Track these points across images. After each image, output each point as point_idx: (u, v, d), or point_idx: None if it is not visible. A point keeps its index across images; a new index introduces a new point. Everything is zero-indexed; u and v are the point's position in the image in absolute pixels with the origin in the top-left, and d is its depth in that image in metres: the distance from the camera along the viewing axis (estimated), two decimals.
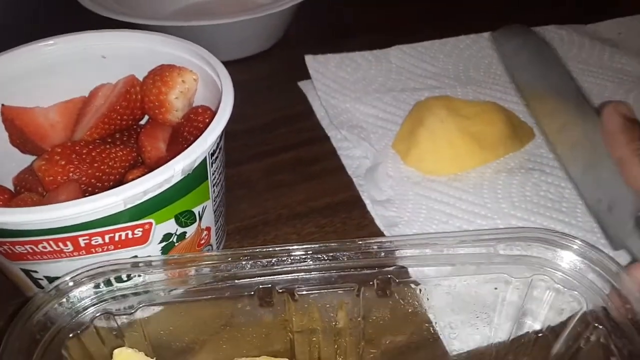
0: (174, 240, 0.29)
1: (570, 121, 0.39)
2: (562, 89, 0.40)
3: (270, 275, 0.26)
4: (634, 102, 0.50)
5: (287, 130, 0.48)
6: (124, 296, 0.25)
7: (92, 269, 0.25)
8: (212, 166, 0.30)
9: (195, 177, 0.28)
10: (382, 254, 0.26)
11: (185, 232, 0.30)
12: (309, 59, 0.52)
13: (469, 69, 0.54)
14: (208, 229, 0.32)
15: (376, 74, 0.53)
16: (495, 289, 0.27)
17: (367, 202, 0.40)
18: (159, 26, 0.49)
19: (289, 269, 0.26)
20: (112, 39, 0.35)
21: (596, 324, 0.25)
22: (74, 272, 0.24)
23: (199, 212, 0.30)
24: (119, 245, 0.27)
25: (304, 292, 0.26)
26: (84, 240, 0.26)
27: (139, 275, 0.25)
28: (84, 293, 0.24)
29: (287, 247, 0.26)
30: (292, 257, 0.26)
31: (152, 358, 0.24)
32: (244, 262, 0.25)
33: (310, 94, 0.51)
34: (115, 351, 0.24)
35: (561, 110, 0.40)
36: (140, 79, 0.35)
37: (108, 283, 0.25)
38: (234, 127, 0.46)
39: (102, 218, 0.25)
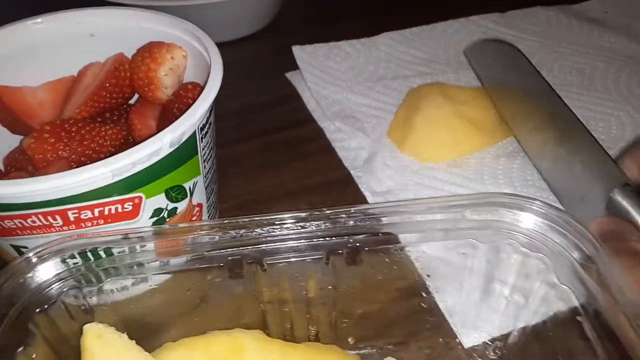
0: (165, 215, 0.29)
1: (540, 122, 0.39)
2: (532, 90, 0.41)
3: (239, 247, 0.26)
4: (626, 81, 0.51)
5: (279, 111, 0.48)
6: (91, 271, 0.25)
7: (58, 244, 0.24)
8: (202, 141, 0.29)
9: (185, 151, 0.28)
10: (351, 222, 0.26)
11: (176, 208, 0.30)
12: (297, 50, 0.51)
13: (459, 54, 0.54)
14: (200, 205, 0.32)
15: (366, 62, 0.52)
16: (464, 254, 0.28)
17: (366, 194, 0.40)
18: (148, 6, 0.49)
19: (257, 239, 0.26)
20: (100, 16, 0.35)
21: (563, 285, 0.25)
22: (40, 247, 0.24)
23: (189, 187, 0.30)
24: (109, 220, 0.27)
25: (272, 262, 0.26)
26: (73, 214, 0.26)
27: (107, 250, 0.25)
28: (50, 268, 0.24)
29: (255, 218, 0.26)
30: (260, 228, 0.25)
31: (123, 333, 0.24)
32: (212, 234, 0.25)
33: (300, 85, 0.50)
34: (85, 327, 0.23)
35: (532, 113, 0.40)
36: (129, 57, 0.34)
37: (74, 257, 0.25)
38: (226, 107, 0.47)
39: (91, 191, 0.25)
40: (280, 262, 0.26)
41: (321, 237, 0.26)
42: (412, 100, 0.45)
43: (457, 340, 0.30)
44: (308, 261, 0.26)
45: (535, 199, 0.26)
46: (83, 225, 0.27)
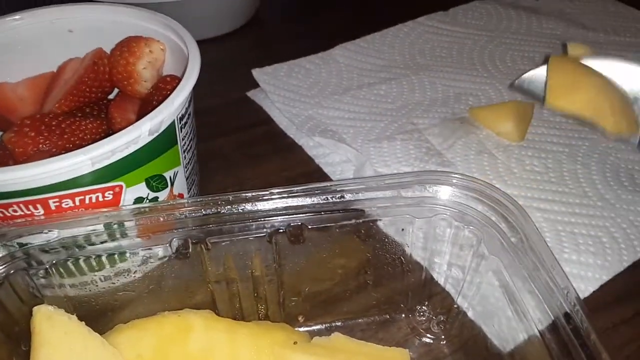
0: None
1: None
2: None
3: (183, 228, 0.26)
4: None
5: (260, 106, 0.48)
6: (38, 253, 0.25)
7: (2, 226, 0.25)
8: (181, 131, 0.30)
9: (165, 140, 0.29)
10: (293, 202, 0.27)
11: (157, 197, 0.30)
12: (256, 73, 0.51)
13: (414, 56, 0.55)
14: (181, 195, 0.33)
15: (328, 76, 0.52)
16: (402, 230, 0.29)
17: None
18: (128, 3, 0.49)
19: (202, 220, 0.26)
20: (78, 12, 0.35)
21: (492, 255, 0.26)
22: None
23: (170, 177, 0.30)
24: (90, 209, 0.27)
25: (216, 241, 0.27)
26: (54, 202, 0.26)
27: (50, 231, 0.25)
28: None
29: (199, 199, 0.26)
30: (205, 209, 0.26)
31: (72, 314, 0.24)
32: (157, 216, 0.26)
33: (265, 103, 0.49)
34: (34, 308, 0.24)
35: None
36: (108, 51, 0.35)
37: (18, 243, 0.25)
38: (208, 102, 0.47)
39: (71, 179, 0.25)
40: (223, 242, 0.27)
41: (264, 217, 0.26)
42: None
43: (403, 315, 0.31)
44: (251, 239, 0.27)
45: (465, 175, 0.27)
46: None
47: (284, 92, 0.49)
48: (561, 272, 0.23)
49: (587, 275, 0.34)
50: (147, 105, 0.34)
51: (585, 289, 0.33)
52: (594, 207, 0.39)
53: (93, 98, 0.35)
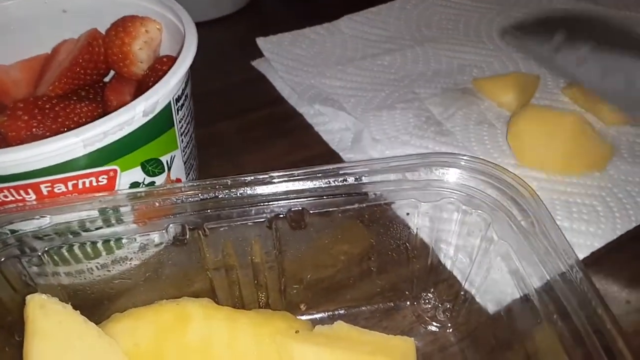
0: None
1: None
2: None
3: (180, 213, 0.25)
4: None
5: (260, 89, 0.47)
6: (28, 241, 0.24)
7: None
8: (178, 113, 0.29)
9: (161, 122, 0.28)
10: (294, 186, 0.26)
11: (154, 182, 0.29)
12: (261, 42, 0.51)
13: (421, 28, 0.55)
14: (179, 180, 0.32)
15: (332, 46, 0.52)
16: (408, 214, 0.28)
17: None
18: None
19: (200, 205, 0.25)
20: None
21: (501, 240, 0.25)
22: None
23: (167, 161, 0.29)
24: (84, 194, 0.26)
25: (214, 227, 0.26)
26: (46, 187, 0.25)
27: (43, 217, 0.24)
28: None
29: (196, 183, 0.25)
30: (202, 193, 0.25)
31: (67, 303, 0.23)
32: (153, 200, 0.25)
33: (269, 72, 0.49)
34: (28, 297, 0.23)
35: None
36: (103, 32, 0.34)
37: (10, 229, 0.24)
38: (208, 86, 0.46)
39: (63, 162, 0.24)
40: (221, 227, 0.26)
41: (264, 201, 0.25)
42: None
43: (407, 302, 0.30)
44: (250, 225, 0.26)
45: (473, 157, 0.26)
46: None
47: (287, 61, 0.49)
48: (574, 257, 0.22)
49: (578, 242, 0.34)
50: (143, 87, 0.33)
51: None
52: (592, 177, 0.38)
53: (88, 80, 0.33)
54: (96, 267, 0.28)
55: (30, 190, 0.25)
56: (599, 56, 0.49)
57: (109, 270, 0.28)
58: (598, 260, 0.33)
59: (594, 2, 0.58)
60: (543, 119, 0.39)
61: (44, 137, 0.30)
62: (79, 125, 0.32)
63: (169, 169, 0.30)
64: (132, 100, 0.33)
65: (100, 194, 0.25)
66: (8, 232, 0.24)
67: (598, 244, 0.34)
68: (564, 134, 0.38)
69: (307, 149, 0.41)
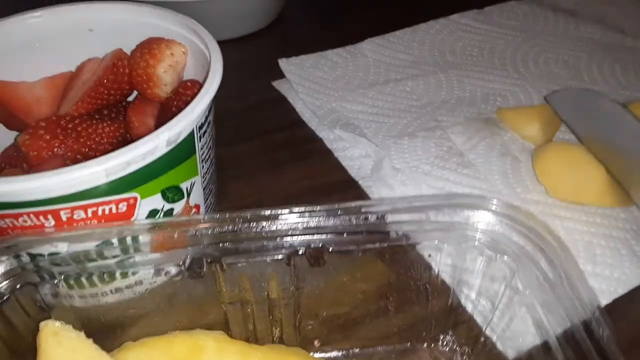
0: (161, 216, 0.29)
1: None
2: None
3: (198, 245, 0.25)
4: (609, 68, 0.52)
5: (280, 110, 0.47)
6: (46, 267, 0.24)
7: (10, 239, 0.24)
8: (200, 140, 0.29)
9: (183, 151, 0.27)
10: (314, 222, 0.25)
11: (172, 209, 0.29)
12: (283, 63, 0.50)
13: (445, 54, 0.54)
14: (197, 207, 0.31)
15: (354, 70, 0.51)
16: (429, 255, 0.27)
17: None
18: (149, 2, 0.48)
19: (218, 238, 0.25)
20: (100, 11, 0.34)
21: (527, 291, 0.24)
22: None
23: (187, 188, 0.29)
24: (103, 221, 0.26)
25: (232, 262, 0.25)
26: (65, 214, 0.25)
27: (61, 244, 0.24)
28: (1, 263, 0.24)
29: (214, 216, 0.25)
30: (220, 226, 0.25)
31: (80, 331, 0.23)
32: (172, 231, 0.24)
33: (289, 94, 0.49)
34: (41, 324, 0.22)
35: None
36: (128, 52, 0.34)
37: (28, 253, 0.24)
38: (227, 106, 0.46)
39: (84, 190, 0.24)
40: (239, 262, 0.25)
41: (283, 237, 0.25)
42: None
43: (424, 344, 0.30)
44: (268, 261, 0.25)
45: (501, 200, 0.25)
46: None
47: (309, 84, 0.48)
48: (602, 315, 0.21)
49: (600, 288, 0.33)
50: (166, 110, 0.33)
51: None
52: (616, 219, 0.37)
53: (111, 100, 0.33)
54: (111, 291, 0.28)
55: (49, 216, 0.25)
56: None
57: (124, 297, 0.28)
58: (620, 306, 0.32)
59: (622, 32, 0.57)
60: (570, 156, 0.38)
61: (65, 157, 0.30)
62: (100, 145, 0.32)
63: (189, 195, 0.30)
64: (154, 122, 0.33)
65: (119, 223, 0.25)
66: (27, 256, 0.24)
67: (622, 290, 0.33)
68: (594, 170, 0.38)
69: (326, 175, 0.41)
